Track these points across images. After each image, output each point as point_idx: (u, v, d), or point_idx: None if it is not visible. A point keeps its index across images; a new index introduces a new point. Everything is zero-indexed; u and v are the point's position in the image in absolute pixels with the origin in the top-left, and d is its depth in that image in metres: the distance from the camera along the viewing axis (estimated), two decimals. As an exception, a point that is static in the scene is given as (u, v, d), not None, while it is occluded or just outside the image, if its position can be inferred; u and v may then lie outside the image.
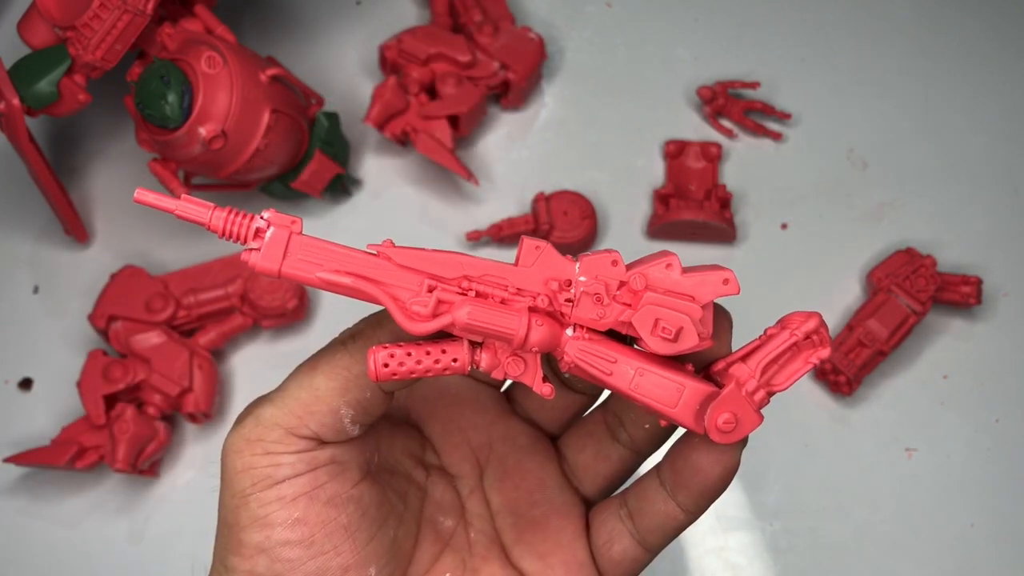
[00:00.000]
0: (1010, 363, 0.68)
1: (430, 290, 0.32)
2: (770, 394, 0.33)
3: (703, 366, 0.35)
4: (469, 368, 0.33)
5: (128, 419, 0.61)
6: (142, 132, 0.63)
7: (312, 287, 0.33)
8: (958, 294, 0.66)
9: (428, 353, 0.32)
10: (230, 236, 0.31)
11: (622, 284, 0.33)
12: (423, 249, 0.32)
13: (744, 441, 0.34)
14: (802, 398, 0.66)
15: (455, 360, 0.32)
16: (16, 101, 0.59)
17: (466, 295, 0.32)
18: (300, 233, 0.32)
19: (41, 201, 0.68)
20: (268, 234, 0.31)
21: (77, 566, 0.63)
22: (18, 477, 0.64)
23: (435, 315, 0.32)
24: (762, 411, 0.33)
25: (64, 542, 0.64)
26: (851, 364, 0.64)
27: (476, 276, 0.32)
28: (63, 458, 0.60)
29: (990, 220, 0.71)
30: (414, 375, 0.32)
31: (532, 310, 0.32)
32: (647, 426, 0.38)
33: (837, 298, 0.68)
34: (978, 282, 0.66)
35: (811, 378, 0.67)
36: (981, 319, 0.68)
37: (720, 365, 0.34)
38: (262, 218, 0.31)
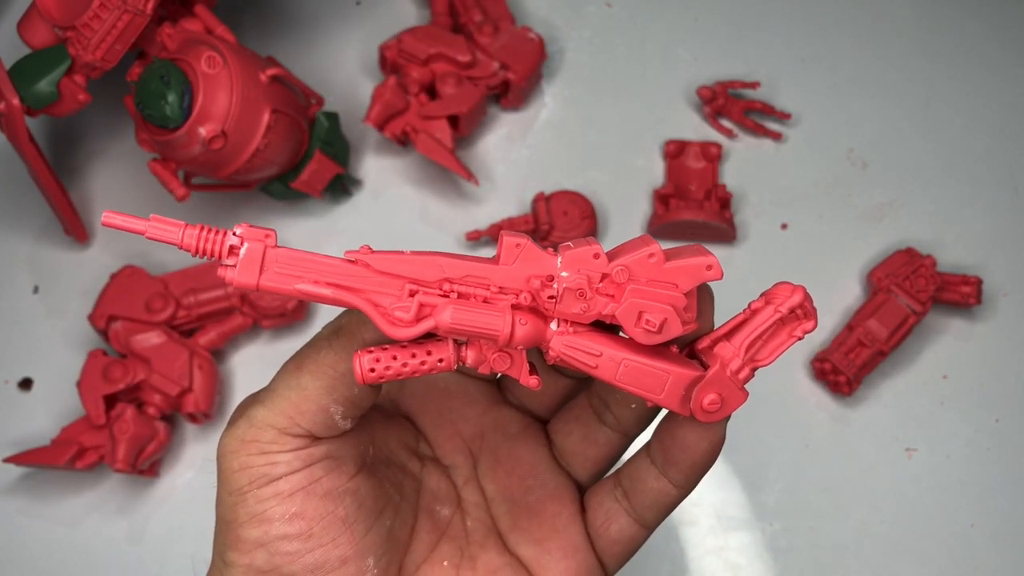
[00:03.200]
0: (1010, 363, 0.68)
1: (411, 294, 0.32)
2: (754, 369, 0.34)
3: (687, 343, 0.35)
4: (456, 366, 0.33)
5: (128, 419, 0.61)
6: (142, 132, 0.63)
7: (293, 298, 0.33)
8: (958, 294, 0.66)
9: (414, 355, 0.32)
10: (204, 254, 0.31)
11: (604, 276, 0.32)
12: (401, 252, 0.32)
13: (728, 415, 0.34)
14: (802, 398, 0.66)
15: (441, 360, 0.32)
16: (16, 101, 0.59)
17: (448, 297, 0.32)
18: (275, 246, 0.31)
19: (41, 201, 0.68)
20: (243, 250, 0.31)
21: (77, 566, 0.63)
22: (18, 477, 0.64)
23: (418, 319, 0.32)
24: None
25: (64, 542, 0.64)
26: (851, 364, 0.64)
27: (457, 278, 0.32)
28: (63, 458, 0.61)
29: (990, 220, 0.71)
30: (401, 376, 0.32)
31: (515, 308, 0.32)
32: (633, 406, 0.38)
33: (837, 298, 0.68)
34: (978, 282, 0.66)
35: (811, 378, 0.67)
36: (981, 319, 0.68)
37: (705, 342, 0.34)
38: (235, 234, 0.31)
